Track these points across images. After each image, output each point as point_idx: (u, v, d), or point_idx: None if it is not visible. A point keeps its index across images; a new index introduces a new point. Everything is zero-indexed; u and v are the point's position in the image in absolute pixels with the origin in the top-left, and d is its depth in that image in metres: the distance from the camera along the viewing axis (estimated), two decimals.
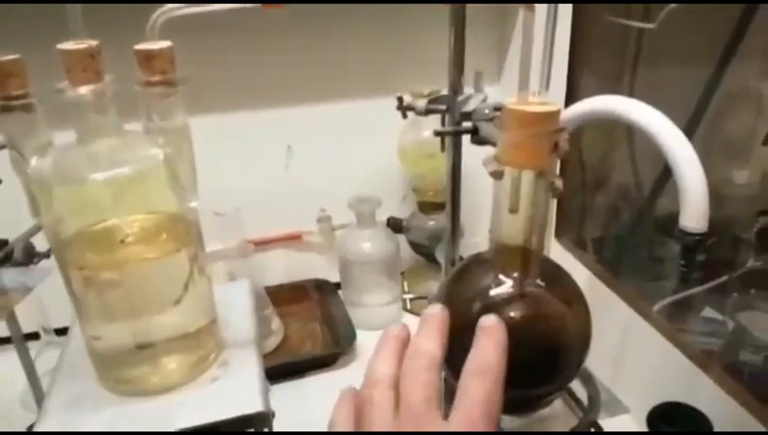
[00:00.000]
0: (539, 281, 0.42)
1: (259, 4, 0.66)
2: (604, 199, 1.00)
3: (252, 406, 0.41)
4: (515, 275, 0.41)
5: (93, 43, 0.36)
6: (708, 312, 0.84)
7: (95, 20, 0.39)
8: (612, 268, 0.80)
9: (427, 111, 0.55)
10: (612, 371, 0.71)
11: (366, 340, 0.86)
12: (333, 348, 0.83)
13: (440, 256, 0.84)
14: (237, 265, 0.85)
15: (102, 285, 0.39)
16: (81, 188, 0.37)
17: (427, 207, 0.90)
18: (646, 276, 0.93)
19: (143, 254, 0.40)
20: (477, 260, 0.45)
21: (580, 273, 0.77)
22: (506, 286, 0.41)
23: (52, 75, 0.37)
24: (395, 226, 0.90)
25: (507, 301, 0.41)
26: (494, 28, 0.90)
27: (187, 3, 0.48)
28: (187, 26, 0.51)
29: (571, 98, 0.75)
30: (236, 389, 0.43)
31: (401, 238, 0.91)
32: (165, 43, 0.37)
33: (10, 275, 0.57)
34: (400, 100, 0.56)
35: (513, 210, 0.39)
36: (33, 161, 0.38)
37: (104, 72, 0.37)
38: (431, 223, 0.90)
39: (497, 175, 0.38)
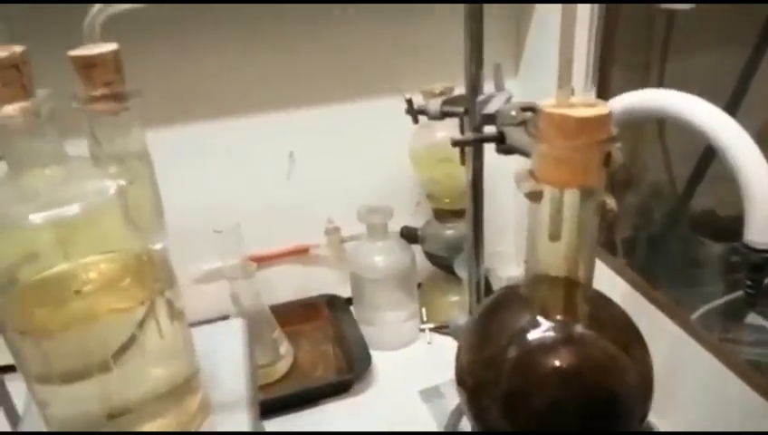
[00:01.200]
0: (587, 320, 0.34)
1: None
2: (634, 198, 0.92)
3: None
4: (558, 314, 0.34)
5: (18, 49, 0.29)
6: (753, 318, 0.77)
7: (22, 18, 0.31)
8: (647, 274, 0.73)
9: (443, 115, 0.47)
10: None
11: (381, 361, 0.79)
12: (347, 372, 0.76)
13: (460, 268, 0.77)
14: (240, 285, 0.78)
15: (53, 347, 0.32)
16: (18, 232, 0.30)
17: (443, 215, 0.83)
18: (682, 281, 0.86)
19: (106, 305, 0.33)
20: (511, 294, 0.37)
21: (611, 281, 0.69)
22: (547, 328, 0.34)
23: None
24: (409, 236, 0.83)
25: (549, 347, 0.33)
26: (509, 13, 0.82)
27: None
28: (147, 22, 0.43)
29: (602, 93, 0.67)
30: None
31: (416, 249, 0.83)
32: (108, 47, 0.30)
33: None
34: (410, 102, 0.49)
35: (555, 237, 0.32)
36: None
37: (34, 85, 0.30)
38: (448, 232, 0.83)
39: (535, 197, 0.31)
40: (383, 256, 0.80)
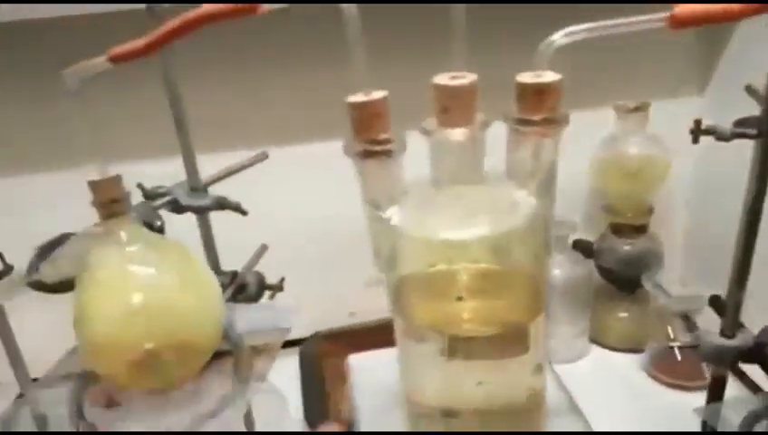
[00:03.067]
0: None
1: None
2: None
3: None
4: None
5: (472, 77, 0.30)
6: None
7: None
8: None
9: (733, 136, 0.47)
10: None
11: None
12: None
13: (649, 284, 0.76)
14: None
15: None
16: (428, 243, 0.31)
17: (621, 230, 0.82)
18: None
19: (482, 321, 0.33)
20: None
21: None
22: None
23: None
24: (583, 249, 0.83)
25: None
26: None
27: None
28: None
29: None
30: None
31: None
32: (555, 76, 0.30)
33: (254, 315, 0.52)
34: (698, 124, 0.48)
35: None
36: (390, 211, 0.32)
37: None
38: (626, 247, 0.82)
39: None
40: (560, 269, 0.80)
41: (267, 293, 0.59)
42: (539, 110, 0.30)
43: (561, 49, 0.29)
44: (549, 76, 0.30)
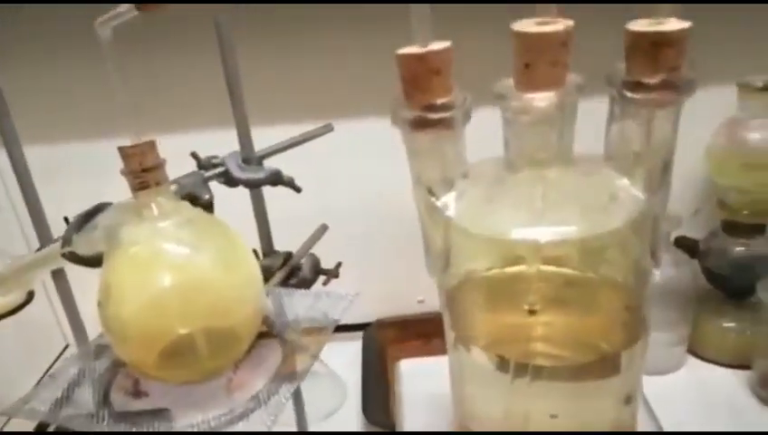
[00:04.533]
0: None
1: None
2: None
3: None
4: None
5: (566, 23, 0.22)
6: None
7: None
8: None
9: None
10: None
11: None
12: None
13: (764, 293, 0.65)
14: None
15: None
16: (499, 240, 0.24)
17: (736, 228, 0.71)
18: None
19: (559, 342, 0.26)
20: None
21: None
22: None
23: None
24: (687, 247, 0.72)
25: None
26: None
27: None
28: None
29: None
30: None
31: None
32: (681, 23, 0.22)
33: (306, 301, 0.47)
34: None
35: None
36: (445, 199, 0.25)
37: None
38: (740, 249, 0.71)
39: None
40: (660, 269, 0.69)
41: (322, 278, 0.54)
42: (657, 69, 0.22)
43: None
44: (672, 24, 0.21)
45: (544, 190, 0.24)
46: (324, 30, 0.71)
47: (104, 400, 0.40)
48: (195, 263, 0.39)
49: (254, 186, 0.50)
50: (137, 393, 0.41)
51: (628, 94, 0.22)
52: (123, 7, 0.31)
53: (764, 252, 0.72)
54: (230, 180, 0.51)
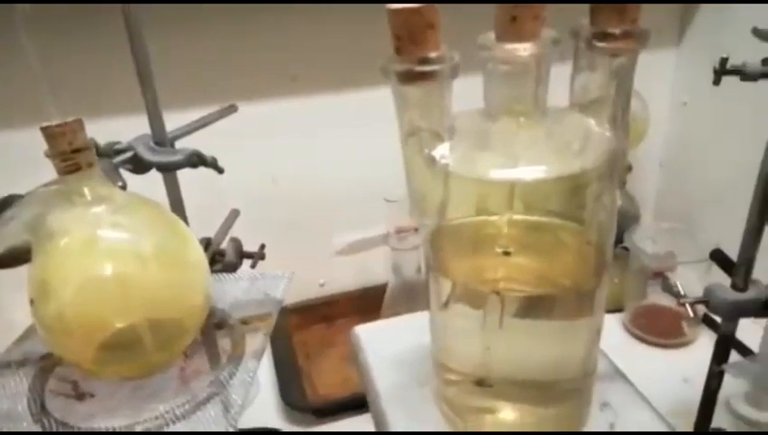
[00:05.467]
0: None
1: None
2: None
3: None
4: None
5: None
6: None
7: None
8: None
9: (761, 75, 0.44)
10: None
11: None
12: None
13: (630, 243, 0.74)
14: (403, 256, 0.75)
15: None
16: (477, 182, 0.26)
17: None
18: None
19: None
20: None
21: None
22: None
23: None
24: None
25: None
26: None
27: None
28: None
29: None
30: None
31: None
32: None
33: (241, 285, 0.46)
34: (723, 62, 0.45)
35: None
36: (441, 149, 0.26)
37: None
38: None
39: None
40: None
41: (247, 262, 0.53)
42: (621, 21, 0.25)
43: None
44: None
45: (527, 135, 0.27)
46: (227, 14, 0.68)
47: (42, 409, 0.36)
48: (136, 250, 0.36)
49: (170, 169, 0.48)
50: (79, 396, 0.37)
51: (597, 44, 0.25)
52: None
53: (626, 208, 0.82)
54: (140, 165, 0.48)
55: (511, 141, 0.27)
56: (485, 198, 0.28)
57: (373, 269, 0.87)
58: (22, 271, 0.36)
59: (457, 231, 0.30)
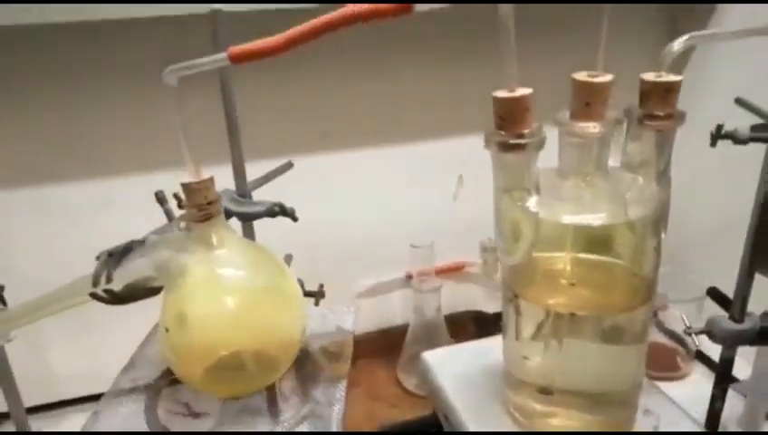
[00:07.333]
0: None
1: None
2: None
3: None
4: None
5: (609, 77, 0.33)
6: None
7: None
8: None
9: (750, 140, 0.53)
10: None
11: None
12: None
13: None
14: (425, 298, 0.82)
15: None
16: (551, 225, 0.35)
17: None
18: None
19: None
20: None
21: None
22: None
23: None
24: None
25: None
26: None
27: None
28: None
29: None
30: None
31: None
32: (677, 76, 0.34)
33: (314, 318, 0.52)
34: (719, 128, 0.54)
35: None
36: (531, 201, 0.34)
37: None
38: None
39: None
40: None
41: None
42: (666, 106, 0.34)
43: None
44: (672, 76, 0.34)
45: (593, 190, 0.35)
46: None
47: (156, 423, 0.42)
48: (252, 287, 0.43)
49: (251, 218, 0.55)
50: (195, 415, 0.43)
51: (647, 122, 0.34)
52: (217, 57, 0.36)
53: None
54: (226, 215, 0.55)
55: (579, 195, 0.35)
56: (559, 238, 0.36)
57: (392, 311, 0.93)
58: None
59: (535, 266, 0.37)
